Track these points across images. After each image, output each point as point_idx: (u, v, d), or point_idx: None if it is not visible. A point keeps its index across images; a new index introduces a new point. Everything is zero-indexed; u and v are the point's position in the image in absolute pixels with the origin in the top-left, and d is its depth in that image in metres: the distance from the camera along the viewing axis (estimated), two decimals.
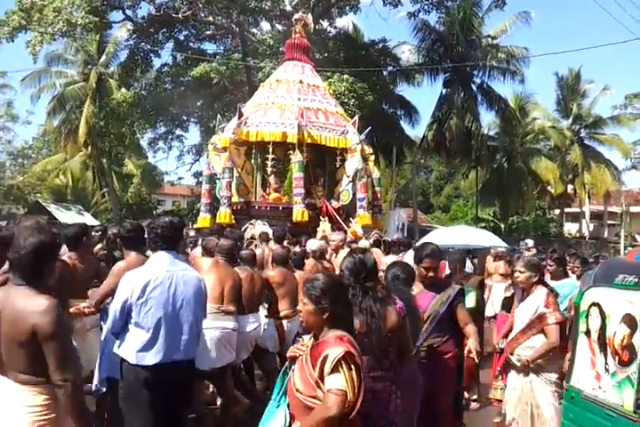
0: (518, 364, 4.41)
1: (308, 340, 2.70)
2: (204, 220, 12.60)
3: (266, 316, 5.63)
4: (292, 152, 12.11)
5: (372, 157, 13.88)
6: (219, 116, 13.97)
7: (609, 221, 42.70)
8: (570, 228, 41.84)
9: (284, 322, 5.69)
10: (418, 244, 8.75)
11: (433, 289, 4.20)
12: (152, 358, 3.43)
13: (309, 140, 12.12)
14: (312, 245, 6.89)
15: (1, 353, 2.51)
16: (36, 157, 34.47)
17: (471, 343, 4.07)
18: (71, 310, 4.24)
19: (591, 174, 33.77)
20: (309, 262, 6.69)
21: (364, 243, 8.01)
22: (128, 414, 3.49)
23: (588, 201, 39.75)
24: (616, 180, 34.70)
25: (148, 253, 3.97)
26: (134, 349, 3.44)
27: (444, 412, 4.15)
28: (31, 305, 2.47)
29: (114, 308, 3.50)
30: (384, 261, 6.90)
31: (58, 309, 2.51)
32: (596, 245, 33.03)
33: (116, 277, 3.85)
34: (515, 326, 4.63)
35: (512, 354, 4.50)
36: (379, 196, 14.30)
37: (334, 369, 2.32)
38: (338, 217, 11.68)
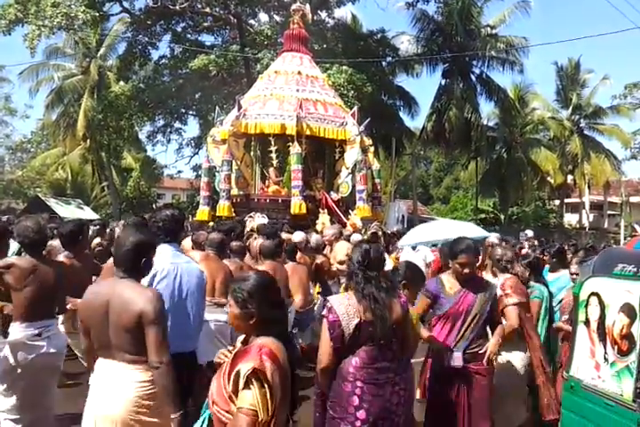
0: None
1: (239, 343, 2.46)
2: (203, 213, 12.60)
3: None
4: (291, 144, 12.07)
5: (372, 149, 13.85)
6: (217, 108, 13.92)
7: (609, 212, 42.69)
8: (570, 218, 41.85)
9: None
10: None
11: (471, 286, 4.00)
12: None
13: (308, 132, 12.08)
14: (296, 237, 6.88)
15: (109, 338, 2.87)
16: (34, 152, 34.41)
17: (489, 343, 3.95)
18: (68, 306, 4.21)
19: (591, 164, 33.73)
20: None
21: (356, 237, 7.98)
22: None
23: (588, 191, 39.74)
24: (616, 170, 34.64)
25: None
26: None
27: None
28: (138, 295, 2.86)
29: None
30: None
31: (160, 299, 2.91)
32: (596, 236, 33.04)
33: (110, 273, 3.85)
34: None
35: None
36: (378, 187, 14.28)
37: (245, 385, 2.09)
38: (337, 209, 11.67)
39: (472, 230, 6.76)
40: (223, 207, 11.98)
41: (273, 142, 12.24)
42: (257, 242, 6.87)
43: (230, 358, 2.28)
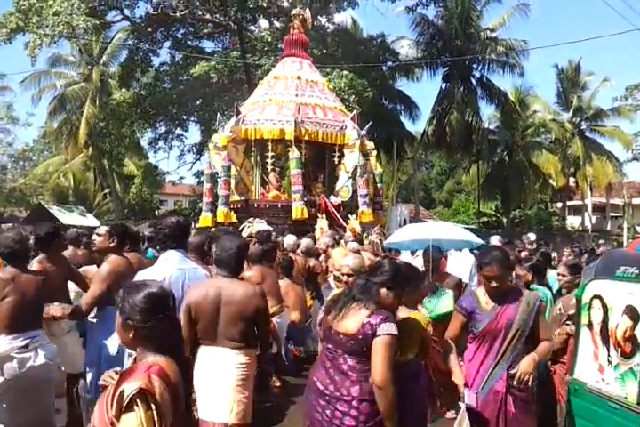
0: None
1: (131, 361, 2.26)
2: (205, 219, 12.61)
3: None
4: (290, 149, 12.09)
5: (374, 153, 13.79)
6: (219, 114, 13.95)
7: (611, 214, 42.62)
8: (572, 221, 41.77)
9: (274, 319, 5.57)
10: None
11: (509, 299, 3.50)
12: None
13: (307, 137, 12.06)
14: (288, 240, 6.90)
15: (217, 328, 3.44)
16: (37, 160, 34.50)
17: (521, 363, 3.38)
18: (49, 313, 4.09)
19: (593, 167, 33.69)
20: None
21: (352, 245, 7.97)
22: None
23: (590, 193, 39.68)
24: (618, 171, 34.61)
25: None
26: None
27: None
28: (251, 291, 3.54)
29: None
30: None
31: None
32: (599, 238, 32.97)
33: (107, 280, 3.86)
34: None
35: None
36: (380, 192, 14.24)
37: (129, 407, 1.85)
38: (337, 214, 11.64)
39: (462, 233, 6.62)
40: (222, 213, 11.99)
41: (271, 148, 12.25)
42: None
43: (115, 381, 2.00)
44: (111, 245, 4.16)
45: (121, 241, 4.24)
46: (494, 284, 3.48)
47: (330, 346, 3.01)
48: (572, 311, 4.24)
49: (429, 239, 6.10)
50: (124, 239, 4.30)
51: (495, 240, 7.90)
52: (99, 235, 4.21)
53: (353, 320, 2.92)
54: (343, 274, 3.94)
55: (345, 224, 11.30)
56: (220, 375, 3.45)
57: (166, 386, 1.91)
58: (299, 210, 11.37)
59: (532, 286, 4.92)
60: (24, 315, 3.71)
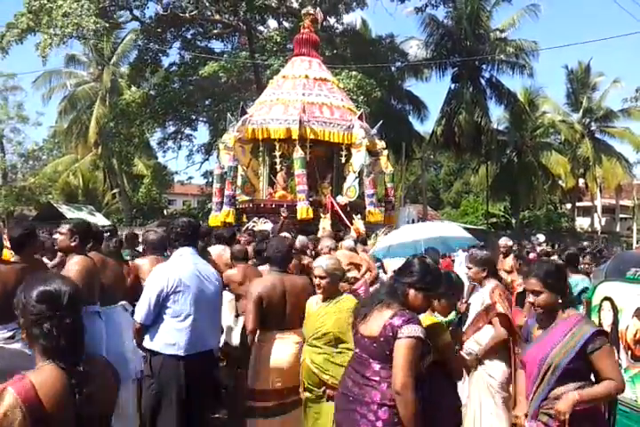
0: (468, 357, 4.16)
1: None
2: (215, 218, 12.62)
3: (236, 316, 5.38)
4: (295, 149, 12.06)
5: (385, 152, 13.70)
6: (229, 114, 13.94)
7: (621, 215, 42.37)
8: (582, 222, 41.57)
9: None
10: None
11: (557, 326, 2.88)
12: (188, 346, 3.58)
13: (312, 136, 12.00)
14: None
15: (285, 315, 4.06)
16: (46, 159, 34.69)
17: (560, 402, 2.75)
18: None
19: (602, 168, 33.50)
20: (236, 271, 6.62)
21: (347, 243, 7.93)
22: (160, 408, 3.57)
23: (600, 195, 39.46)
24: (627, 173, 34.42)
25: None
26: (171, 339, 3.58)
27: None
28: (306, 282, 4.26)
29: (147, 299, 3.60)
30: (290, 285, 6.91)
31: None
32: (609, 240, 32.80)
33: (82, 279, 3.76)
34: (467, 321, 4.40)
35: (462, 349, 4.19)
36: (391, 192, 14.09)
37: None
38: (342, 214, 11.57)
39: (453, 230, 6.47)
40: (227, 213, 12.00)
41: (278, 147, 12.20)
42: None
43: None
44: (72, 244, 4.03)
45: (83, 240, 4.13)
46: (530, 299, 2.95)
47: (357, 350, 2.92)
48: None
49: (420, 240, 6.01)
50: (86, 238, 4.19)
51: (503, 241, 7.83)
52: (60, 233, 4.09)
53: (376, 322, 2.79)
54: (316, 276, 3.79)
55: (350, 224, 11.27)
56: (285, 353, 4.05)
57: (26, 405, 1.63)
58: (304, 210, 11.34)
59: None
60: (7, 306, 3.66)
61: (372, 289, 7.87)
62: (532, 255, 7.94)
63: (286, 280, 4.16)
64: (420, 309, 2.90)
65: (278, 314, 4.06)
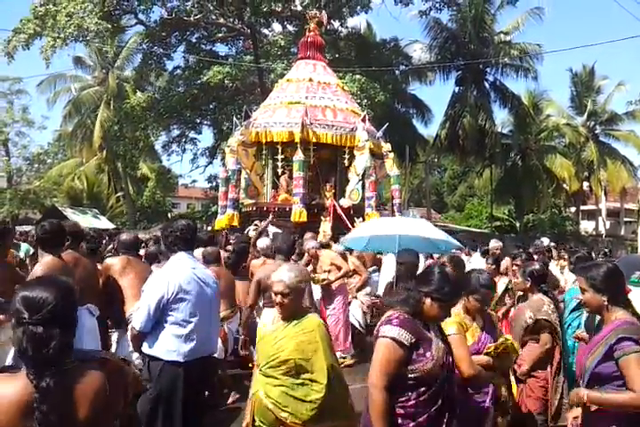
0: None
1: None
2: (221, 222, 12.63)
3: None
4: (297, 151, 12.05)
5: (391, 155, 13.63)
6: (234, 118, 13.94)
7: (625, 219, 42.20)
8: (586, 225, 41.42)
9: (224, 325, 5.39)
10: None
11: (602, 330, 2.82)
12: (189, 353, 3.55)
13: (315, 139, 11.99)
14: (261, 243, 6.83)
15: None
16: (51, 162, 34.83)
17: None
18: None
19: (607, 171, 33.41)
20: (258, 261, 6.59)
21: (337, 247, 7.89)
22: (157, 413, 3.53)
23: (605, 198, 39.35)
24: (632, 176, 34.29)
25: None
26: (171, 345, 3.53)
27: None
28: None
29: (147, 306, 3.54)
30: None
31: None
32: (613, 243, 32.68)
33: None
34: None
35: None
36: (397, 194, 13.95)
37: None
38: (344, 217, 11.53)
39: (437, 234, 6.01)
40: (230, 216, 12.01)
41: (281, 150, 12.20)
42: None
43: None
44: (43, 244, 4.09)
45: (52, 240, 4.15)
46: (586, 307, 2.92)
47: None
48: (541, 317, 4.19)
49: (395, 235, 5.84)
50: (56, 239, 4.21)
51: (546, 242, 7.83)
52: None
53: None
54: (276, 293, 3.14)
55: (352, 227, 11.24)
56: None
57: None
58: (297, 213, 11.32)
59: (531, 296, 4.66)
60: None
61: (361, 294, 7.85)
62: (518, 260, 7.86)
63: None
64: (437, 318, 2.82)
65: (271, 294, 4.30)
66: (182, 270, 3.68)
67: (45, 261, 4.05)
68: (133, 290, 4.58)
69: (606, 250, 16.81)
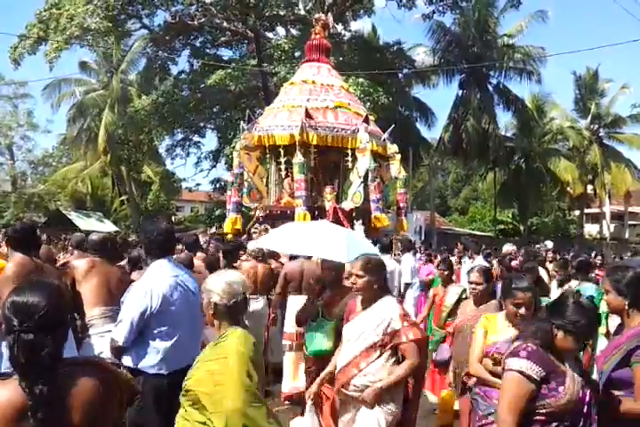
0: (359, 395, 3.36)
1: None
2: (228, 225, 12.67)
3: None
4: (296, 154, 12.04)
5: (398, 157, 13.57)
6: (242, 123, 13.95)
7: (630, 222, 42.11)
8: (590, 229, 41.32)
9: (204, 331, 5.33)
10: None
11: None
12: (173, 364, 3.40)
13: (316, 142, 11.94)
14: (251, 246, 6.81)
15: (301, 285, 6.11)
16: (56, 166, 34.96)
17: None
18: None
19: (611, 174, 33.33)
20: (248, 264, 6.60)
21: None
22: (144, 424, 3.40)
23: (609, 201, 39.25)
24: (637, 179, 34.20)
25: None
26: (155, 358, 3.39)
27: None
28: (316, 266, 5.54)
29: (130, 319, 3.38)
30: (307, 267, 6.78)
31: None
32: (618, 246, 32.59)
33: (9, 282, 3.69)
34: (347, 347, 3.56)
35: (347, 385, 3.44)
36: (404, 197, 13.81)
37: None
38: (344, 220, 11.43)
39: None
40: (234, 220, 12.02)
41: (283, 153, 12.18)
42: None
43: None
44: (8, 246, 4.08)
45: (22, 239, 4.13)
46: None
47: None
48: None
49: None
50: (32, 238, 4.20)
51: (550, 245, 7.78)
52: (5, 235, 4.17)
53: None
54: (202, 306, 2.72)
55: (352, 230, 11.15)
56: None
57: None
58: (301, 215, 11.22)
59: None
60: None
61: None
62: (514, 263, 7.79)
63: (305, 264, 6.10)
64: (570, 351, 2.56)
65: (296, 283, 6.08)
66: (165, 279, 3.51)
67: (16, 260, 4.01)
68: (92, 294, 4.34)
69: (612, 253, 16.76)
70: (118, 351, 3.44)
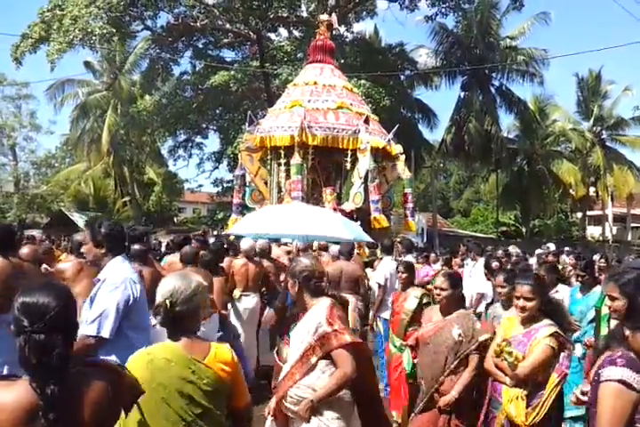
0: (295, 409, 2.98)
1: None
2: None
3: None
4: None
5: (402, 157, 13.54)
6: (246, 123, 13.97)
7: (633, 224, 42.01)
8: (593, 231, 41.23)
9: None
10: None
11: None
12: None
13: (315, 143, 11.96)
14: (244, 244, 6.80)
15: (340, 284, 6.55)
16: (58, 167, 35.01)
17: None
18: None
19: (613, 176, 33.25)
20: (239, 261, 6.60)
21: (336, 248, 7.85)
22: None
23: (611, 203, 39.17)
24: (639, 181, 34.14)
25: None
26: (133, 351, 3.32)
27: None
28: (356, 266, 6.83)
29: (115, 311, 3.29)
30: (345, 268, 6.80)
31: None
32: (620, 249, 32.53)
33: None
34: (290, 356, 3.22)
35: (285, 397, 3.06)
36: (410, 198, 13.83)
37: None
38: None
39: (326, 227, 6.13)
40: (234, 221, 12.07)
41: (284, 154, 12.20)
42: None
43: None
44: None
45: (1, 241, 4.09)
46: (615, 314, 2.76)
47: None
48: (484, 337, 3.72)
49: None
50: (9, 240, 4.16)
51: (552, 247, 7.73)
52: None
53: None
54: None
55: None
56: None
57: None
58: None
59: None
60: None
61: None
62: (494, 264, 7.70)
63: (345, 265, 6.70)
64: None
65: (335, 282, 6.27)
66: (132, 274, 3.49)
67: None
68: (82, 297, 4.15)
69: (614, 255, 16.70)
70: (96, 347, 3.27)
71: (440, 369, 3.74)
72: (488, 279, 6.70)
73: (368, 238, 8.07)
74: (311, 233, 6.91)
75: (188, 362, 2.28)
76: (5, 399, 1.66)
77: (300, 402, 2.94)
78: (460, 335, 3.68)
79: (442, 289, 3.88)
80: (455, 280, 3.98)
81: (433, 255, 9.39)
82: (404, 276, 5.46)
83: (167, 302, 2.33)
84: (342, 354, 2.95)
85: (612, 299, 2.70)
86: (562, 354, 3.16)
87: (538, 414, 3.18)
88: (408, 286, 5.39)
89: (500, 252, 8.88)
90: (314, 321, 3.05)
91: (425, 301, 4.95)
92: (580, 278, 5.74)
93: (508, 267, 7.14)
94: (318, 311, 3.08)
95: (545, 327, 3.33)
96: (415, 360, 4.18)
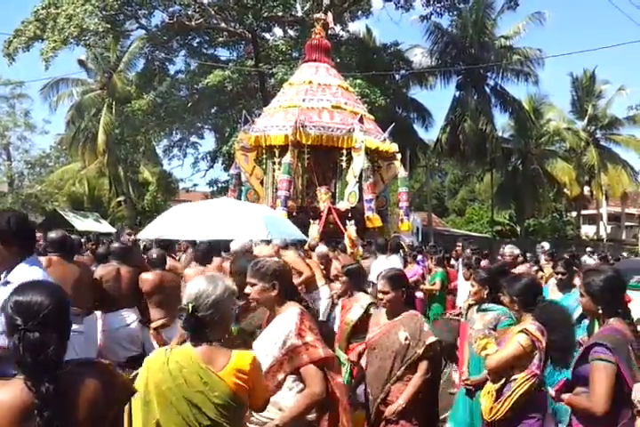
0: None
1: None
2: None
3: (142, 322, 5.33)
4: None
5: (399, 156, 13.53)
6: (241, 123, 13.94)
7: (627, 223, 42.22)
8: (587, 230, 41.40)
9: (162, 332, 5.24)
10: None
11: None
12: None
13: (310, 142, 11.92)
14: (234, 245, 6.77)
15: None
16: (53, 166, 34.84)
17: None
18: None
19: (608, 176, 33.39)
20: (216, 260, 6.45)
21: (322, 248, 7.82)
22: None
23: (606, 203, 39.33)
24: (633, 181, 34.29)
25: None
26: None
27: None
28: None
29: None
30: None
31: None
32: (614, 248, 32.66)
33: None
34: None
35: (248, 418, 2.64)
36: (405, 197, 13.74)
37: None
38: (338, 220, 11.38)
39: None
40: None
41: (278, 154, 12.17)
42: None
43: None
44: None
45: None
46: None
47: None
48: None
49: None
50: None
51: (547, 246, 7.68)
52: None
53: None
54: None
55: (344, 231, 11.09)
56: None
57: None
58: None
59: (487, 306, 4.11)
60: None
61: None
62: (483, 263, 7.69)
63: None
64: None
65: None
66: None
67: None
68: None
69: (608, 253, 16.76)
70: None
71: (386, 377, 3.51)
72: (466, 279, 6.69)
73: (298, 237, 7.40)
74: (216, 237, 6.32)
75: (200, 371, 2.16)
76: (0, 398, 1.66)
77: (264, 424, 2.64)
78: (406, 338, 3.46)
79: (383, 293, 3.61)
80: (396, 281, 3.66)
81: (420, 256, 9.37)
82: (343, 279, 4.96)
83: (190, 305, 2.21)
84: (311, 371, 2.67)
85: (581, 295, 2.92)
86: (535, 355, 3.10)
87: (499, 411, 3.07)
88: (349, 292, 4.85)
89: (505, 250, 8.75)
90: (281, 331, 2.74)
91: (372, 311, 4.29)
92: (560, 276, 5.67)
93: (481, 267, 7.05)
94: (286, 320, 2.77)
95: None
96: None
